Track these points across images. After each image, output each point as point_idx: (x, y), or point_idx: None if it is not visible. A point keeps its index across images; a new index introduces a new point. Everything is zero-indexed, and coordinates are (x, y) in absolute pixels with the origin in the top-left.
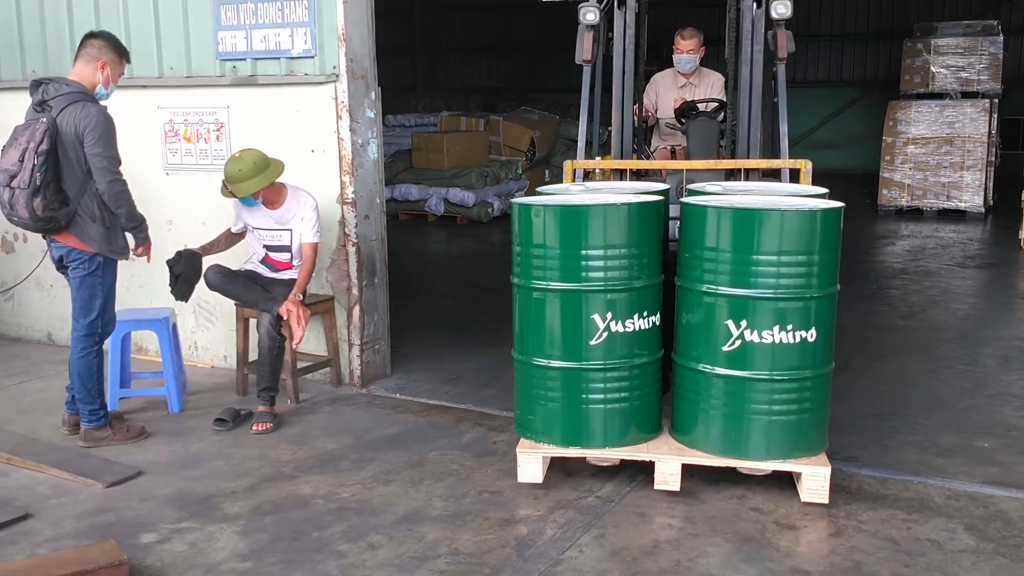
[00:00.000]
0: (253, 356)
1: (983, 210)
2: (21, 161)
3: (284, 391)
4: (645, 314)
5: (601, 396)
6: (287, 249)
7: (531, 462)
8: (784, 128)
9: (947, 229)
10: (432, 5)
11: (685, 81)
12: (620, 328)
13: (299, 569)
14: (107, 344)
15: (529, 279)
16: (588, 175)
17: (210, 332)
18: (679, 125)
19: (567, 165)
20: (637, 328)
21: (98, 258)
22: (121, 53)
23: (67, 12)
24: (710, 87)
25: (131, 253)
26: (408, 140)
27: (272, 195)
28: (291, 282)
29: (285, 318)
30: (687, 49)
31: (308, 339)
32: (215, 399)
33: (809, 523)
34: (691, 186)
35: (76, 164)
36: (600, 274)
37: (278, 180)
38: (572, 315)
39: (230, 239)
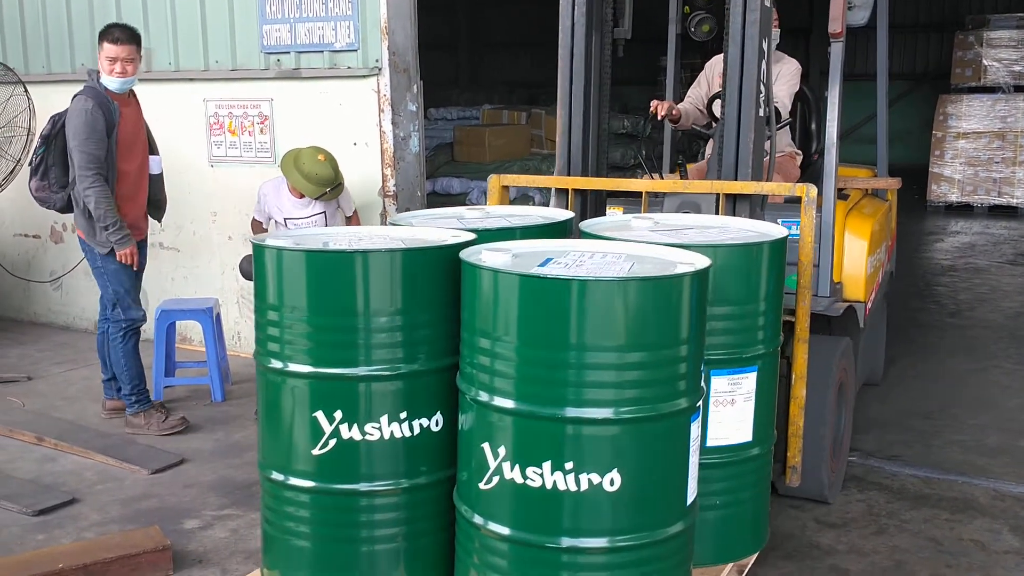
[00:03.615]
0: None
1: None
2: None
3: None
4: (405, 416)
5: (335, 531)
6: None
7: None
8: (832, 133)
9: (998, 226)
10: None
11: None
12: (355, 435)
13: None
14: (152, 333)
15: (265, 356)
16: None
17: (253, 322)
18: (705, 130)
19: (492, 181)
20: (390, 436)
21: (96, 249)
22: (101, 38)
23: (115, 6)
24: (778, 78)
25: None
26: (450, 133)
27: None
28: None
29: None
30: None
31: None
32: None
33: (850, 522)
34: (586, 223)
35: (71, 153)
36: (330, 353)
37: None
38: (302, 411)
39: (263, 231)
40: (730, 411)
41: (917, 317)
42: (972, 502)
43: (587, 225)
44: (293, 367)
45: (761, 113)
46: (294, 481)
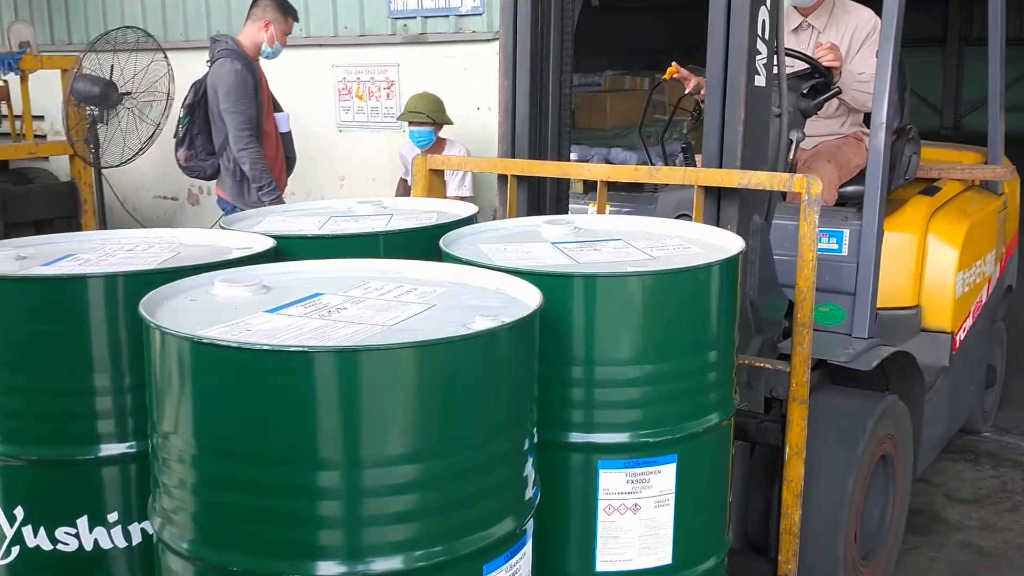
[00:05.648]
0: None
1: None
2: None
3: None
4: (116, 517)
5: None
6: None
7: None
8: (882, 110)
9: None
10: None
11: (801, 20)
12: (43, 543)
13: None
14: None
15: None
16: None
17: None
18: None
19: (417, 164)
20: (93, 546)
21: (237, 210)
22: (286, 11)
23: None
24: (845, 34)
25: None
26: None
27: (435, 145)
28: None
29: None
30: None
31: None
32: None
33: (982, 498)
34: (453, 236)
35: (218, 118)
36: (7, 425)
37: (439, 134)
38: None
39: (407, 188)
40: (631, 522)
41: None
42: None
43: (453, 239)
44: None
45: (759, 82)
46: None
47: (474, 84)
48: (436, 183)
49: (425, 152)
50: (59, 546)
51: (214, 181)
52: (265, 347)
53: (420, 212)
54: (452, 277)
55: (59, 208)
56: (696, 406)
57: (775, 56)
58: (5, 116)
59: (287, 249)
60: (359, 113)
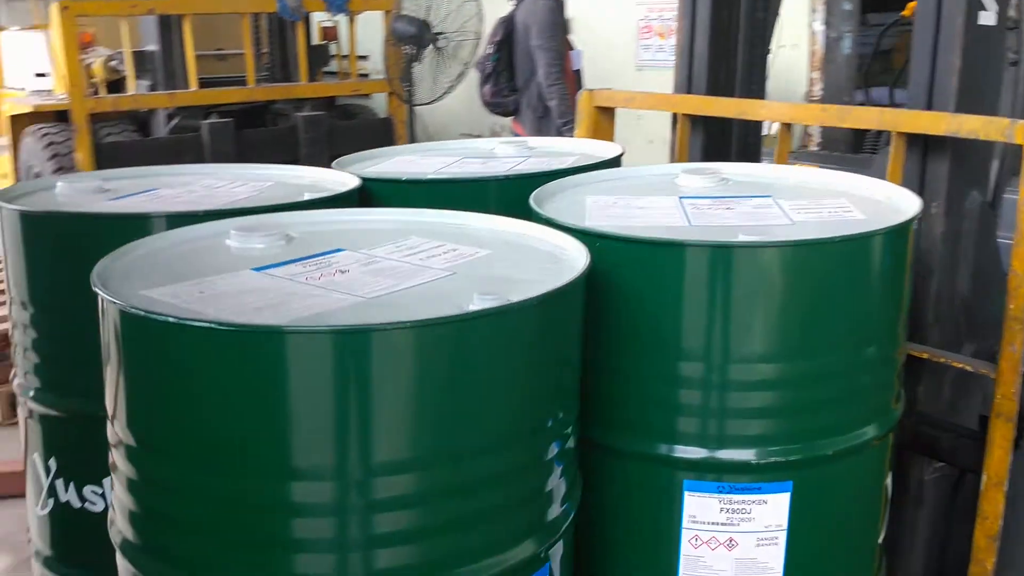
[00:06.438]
0: None
1: None
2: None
3: None
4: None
5: None
6: None
7: None
8: None
9: None
10: None
11: None
12: (73, 499)
13: None
14: None
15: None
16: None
17: None
18: None
19: (583, 99)
20: None
21: None
22: None
23: None
24: None
25: None
26: (890, 40)
27: None
28: None
29: None
30: None
31: None
32: None
33: None
34: (550, 188)
35: (524, 55)
36: (46, 370)
37: None
38: (30, 451)
39: None
40: (725, 560)
41: None
42: None
43: (558, 189)
44: (20, 381)
45: (986, 19)
46: (34, 544)
47: (780, 21)
48: (603, 122)
49: None
50: (87, 504)
51: (510, 119)
52: (170, 318)
53: (562, 155)
54: (513, 236)
55: (377, 142)
56: (834, 419)
57: None
58: (334, 56)
59: (380, 193)
60: (659, 51)
